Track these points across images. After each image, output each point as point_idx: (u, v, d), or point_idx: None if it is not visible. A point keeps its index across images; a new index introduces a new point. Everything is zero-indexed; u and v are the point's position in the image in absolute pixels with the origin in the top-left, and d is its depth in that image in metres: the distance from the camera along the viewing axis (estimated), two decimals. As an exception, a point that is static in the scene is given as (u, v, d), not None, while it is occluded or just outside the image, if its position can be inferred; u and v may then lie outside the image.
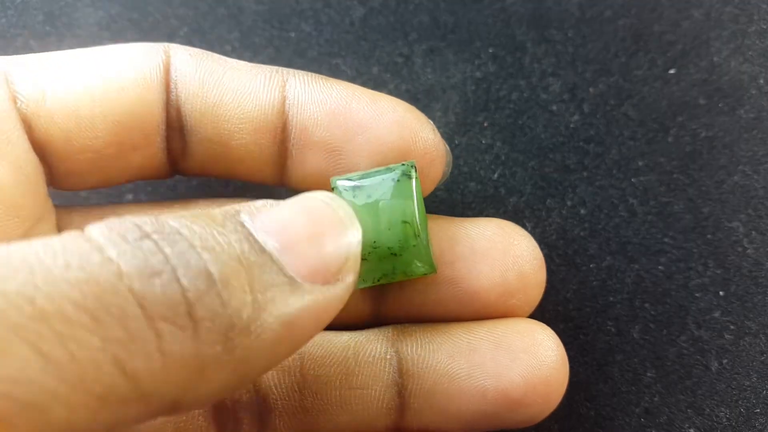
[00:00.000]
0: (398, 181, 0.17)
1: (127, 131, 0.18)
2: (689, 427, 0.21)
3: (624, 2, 0.25)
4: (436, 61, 0.24)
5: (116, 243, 0.11)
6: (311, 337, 0.14)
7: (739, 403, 0.21)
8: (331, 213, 0.14)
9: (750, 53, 0.24)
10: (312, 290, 0.13)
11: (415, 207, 0.17)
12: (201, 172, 0.20)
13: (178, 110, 0.18)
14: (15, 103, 0.17)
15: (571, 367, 0.21)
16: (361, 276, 0.17)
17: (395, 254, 0.17)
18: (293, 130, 0.18)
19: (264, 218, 0.13)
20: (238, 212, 0.13)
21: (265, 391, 0.18)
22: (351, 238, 0.14)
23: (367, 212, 0.17)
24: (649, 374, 0.21)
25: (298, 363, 0.18)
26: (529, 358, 0.18)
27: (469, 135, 0.24)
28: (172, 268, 0.11)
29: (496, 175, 0.23)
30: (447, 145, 0.19)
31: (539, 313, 0.22)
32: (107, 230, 0.12)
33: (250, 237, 0.13)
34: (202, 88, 0.18)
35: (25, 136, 0.17)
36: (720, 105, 0.24)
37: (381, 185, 0.17)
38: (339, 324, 0.19)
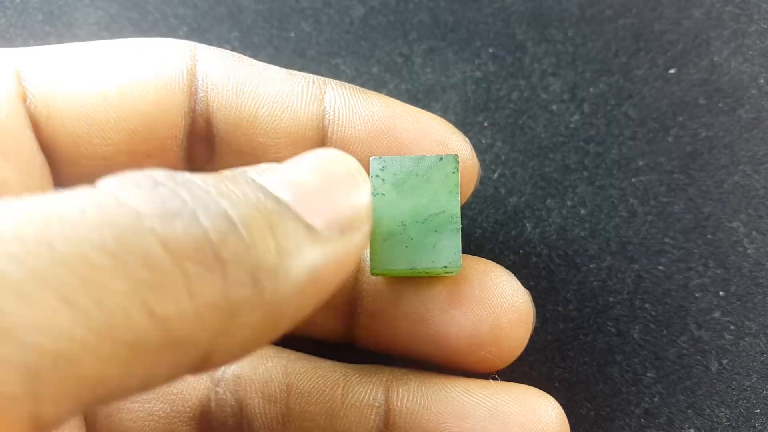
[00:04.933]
0: (449, 173, 0.17)
1: (141, 140, 0.17)
2: (689, 428, 0.21)
3: (624, 1, 0.25)
4: (436, 60, 0.24)
5: (131, 190, 0.11)
6: (334, 289, 0.14)
7: (739, 403, 0.21)
8: (340, 166, 0.14)
9: (750, 53, 0.24)
10: (330, 239, 0.13)
11: (458, 199, 0.17)
12: None
13: (208, 120, 0.17)
14: (24, 101, 0.16)
15: (571, 367, 0.21)
16: (380, 260, 0.17)
17: (423, 242, 0.17)
18: (333, 146, 0.18)
19: (272, 176, 0.13)
20: (245, 171, 0.13)
21: (251, 417, 0.18)
22: (361, 190, 0.14)
23: (401, 194, 0.17)
24: (649, 374, 0.21)
25: (286, 394, 0.18)
26: None
27: (469, 135, 0.24)
28: (191, 210, 0.11)
29: (496, 175, 0.23)
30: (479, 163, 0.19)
31: (540, 313, 0.22)
32: (118, 181, 0.11)
33: (263, 188, 0.13)
34: (237, 99, 0.17)
35: (34, 137, 0.16)
36: (720, 105, 0.23)
37: (425, 171, 0.17)
38: (311, 336, 0.19)
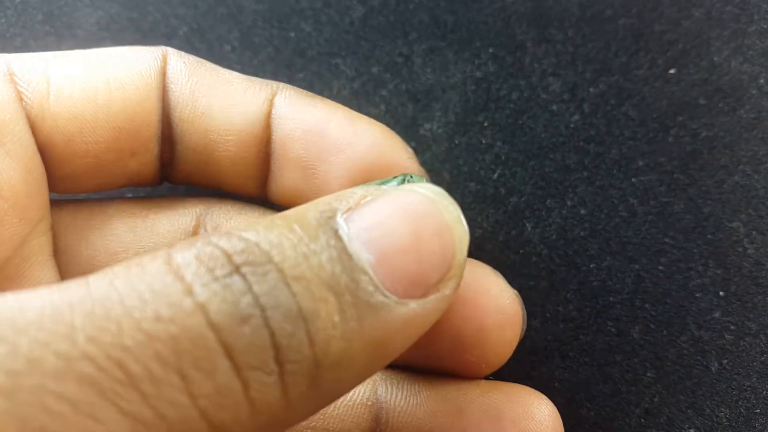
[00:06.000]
0: None
1: (127, 137, 0.18)
2: (689, 428, 0.21)
3: (624, 1, 0.25)
4: (436, 60, 0.24)
5: (205, 282, 0.11)
6: (402, 351, 0.13)
7: (739, 403, 0.21)
8: (435, 214, 0.13)
9: (750, 53, 0.24)
10: (407, 307, 0.12)
11: None
12: (187, 181, 0.20)
13: (168, 118, 0.18)
14: (21, 102, 0.17)
15: (571, 367, 0.21)
16: None
17: None
18: (275, 146, 0.18)
19: (360, 222, 0.12)
20: (334, 213, 0.12)
21: None
22: (456, 244, 0.13)
23: None
24: (649, 374, 0.21)
25: None
26: (517, 431, 0.17)
27: (469, 135, 0.24)
28: (261, 310, 0.11)
29: (496, 175, 0.23)
30: (425, 171, 0.19)
31: (540, 313, 0.22)
32: (196, 264, 0.11)
33: (344, 253, 0.12)
34: (192, 97, 0.18)
35: (32, 137, 0.17)
36: (720, 105, 0.23)
37: None
38: None
